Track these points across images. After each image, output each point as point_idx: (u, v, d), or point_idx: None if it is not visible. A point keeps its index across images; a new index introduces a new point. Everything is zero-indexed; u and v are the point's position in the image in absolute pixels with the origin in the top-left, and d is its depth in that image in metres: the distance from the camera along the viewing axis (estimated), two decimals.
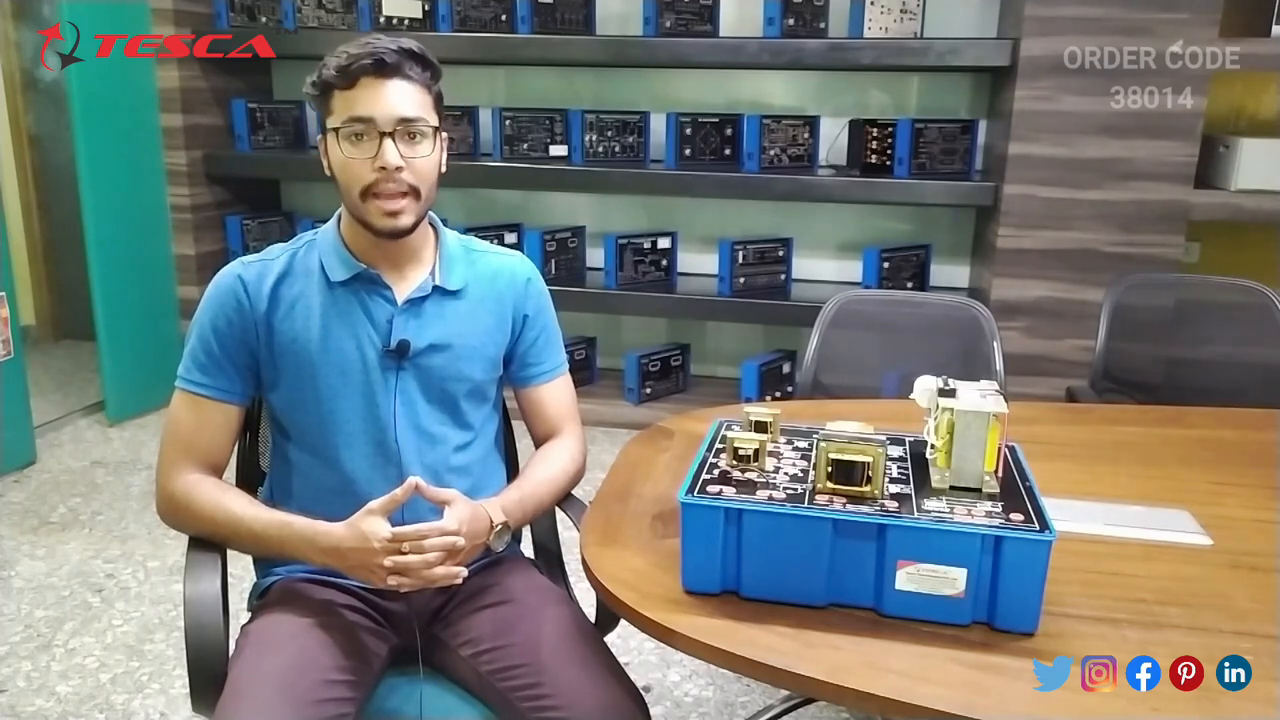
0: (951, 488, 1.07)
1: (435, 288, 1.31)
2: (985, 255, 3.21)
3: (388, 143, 1.21)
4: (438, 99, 1.28)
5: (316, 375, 1.27)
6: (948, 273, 3.54)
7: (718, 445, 1.19)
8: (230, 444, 1.31)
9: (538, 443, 1.45)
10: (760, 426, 1.20)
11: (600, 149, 3.43)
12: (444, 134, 1.29)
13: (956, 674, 0.93)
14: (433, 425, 1.32)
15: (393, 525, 1.17)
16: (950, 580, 0.98)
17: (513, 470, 1.50)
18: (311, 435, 1.30)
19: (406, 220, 1.24)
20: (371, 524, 1.16)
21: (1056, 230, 2.97)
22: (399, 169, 1.21)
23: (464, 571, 1.19)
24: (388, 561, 1.15)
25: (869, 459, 1.04)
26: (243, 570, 1.40)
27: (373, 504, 1.17)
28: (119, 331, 3.43)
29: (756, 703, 1.99)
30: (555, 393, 1.43)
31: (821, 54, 3.13)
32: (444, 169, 1.30)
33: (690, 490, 1.06)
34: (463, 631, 1.27)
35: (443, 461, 1.32)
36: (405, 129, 1.22)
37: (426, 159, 1.25)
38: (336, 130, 1.22)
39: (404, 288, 1.30)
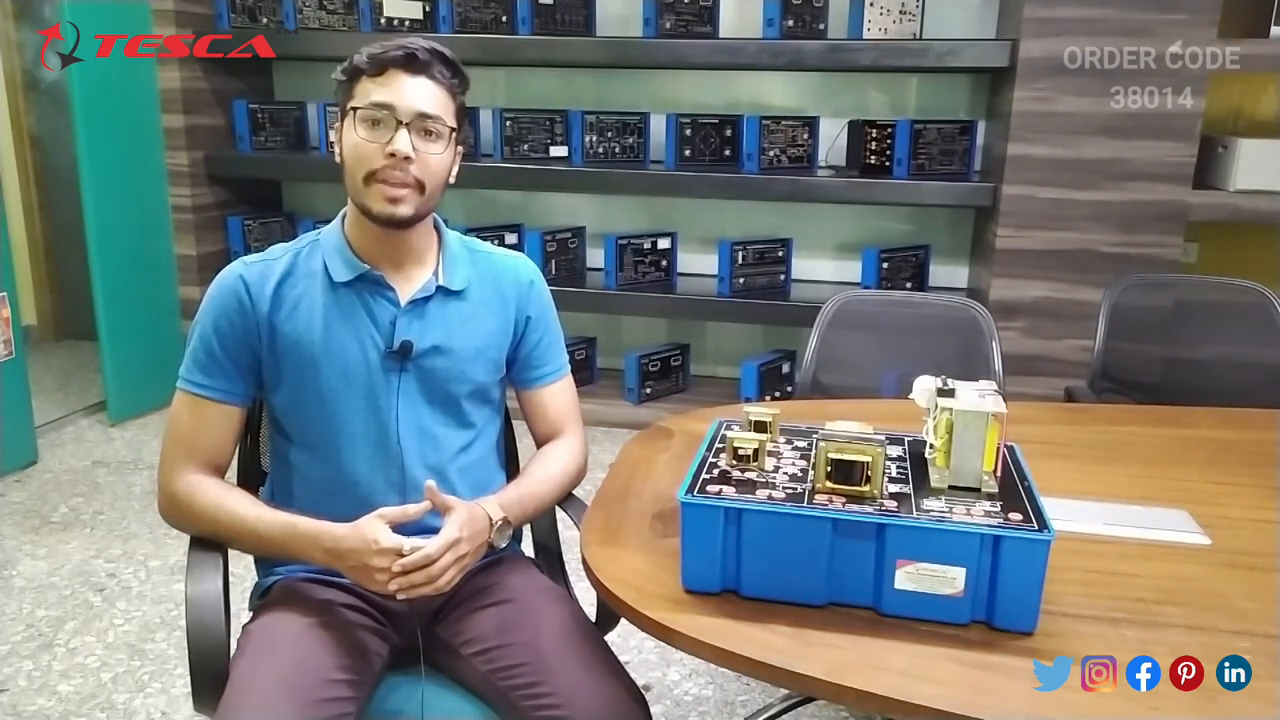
0: (950, 487, 1.08)
1: (439, 288, 1.32)
2: (984, 256, 3.21)
3: (402, 132, 1.21)
4: (460, 108, 1.29)
5: (319, 376, 1.27)
6: (946, 273, 3.55)
7: (717, 445, 1.19)
8: (232, 445, 1.31)
9: (539, 444, 1.45)
10: (760, 426, 1.20)
11: (600, 150, 3.43)
12: (460, 148, 1.30)
13: (956, 673, 0.94)
14: (435, 426, 1.32)
15: (400, 533, 1.17)
16: (949, 579, 0.99)
17: (513, 471, 1.51)
18: (313, 436, 1.30)
19: (405, 209, 1.24)
20: (374, 529, 1.16)
21: (1055, 231, 2.97)
22: (408, 159, 1.22)
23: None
24: (392, 586, 1.15)
25: (868, 459, 1.04)
26: (244, 570, 1.40)
27: (384, 510, 1.18)
28: (120, 331, 3.43)
29: (756, 701, 2.00)
30: (557, 394, 1.44)
31: (821, 55, 3.14)
32: (453, 179, 1.31)
33: (690, 490, 1.06)
34: (464, 631, 1.28)
35: (445, 462, 1.32)
36: (422, 124, 1.23)
37: (438, 157, 1.25)
38: (356, 110, 1.23)
39: (407, 289, 1.31)
